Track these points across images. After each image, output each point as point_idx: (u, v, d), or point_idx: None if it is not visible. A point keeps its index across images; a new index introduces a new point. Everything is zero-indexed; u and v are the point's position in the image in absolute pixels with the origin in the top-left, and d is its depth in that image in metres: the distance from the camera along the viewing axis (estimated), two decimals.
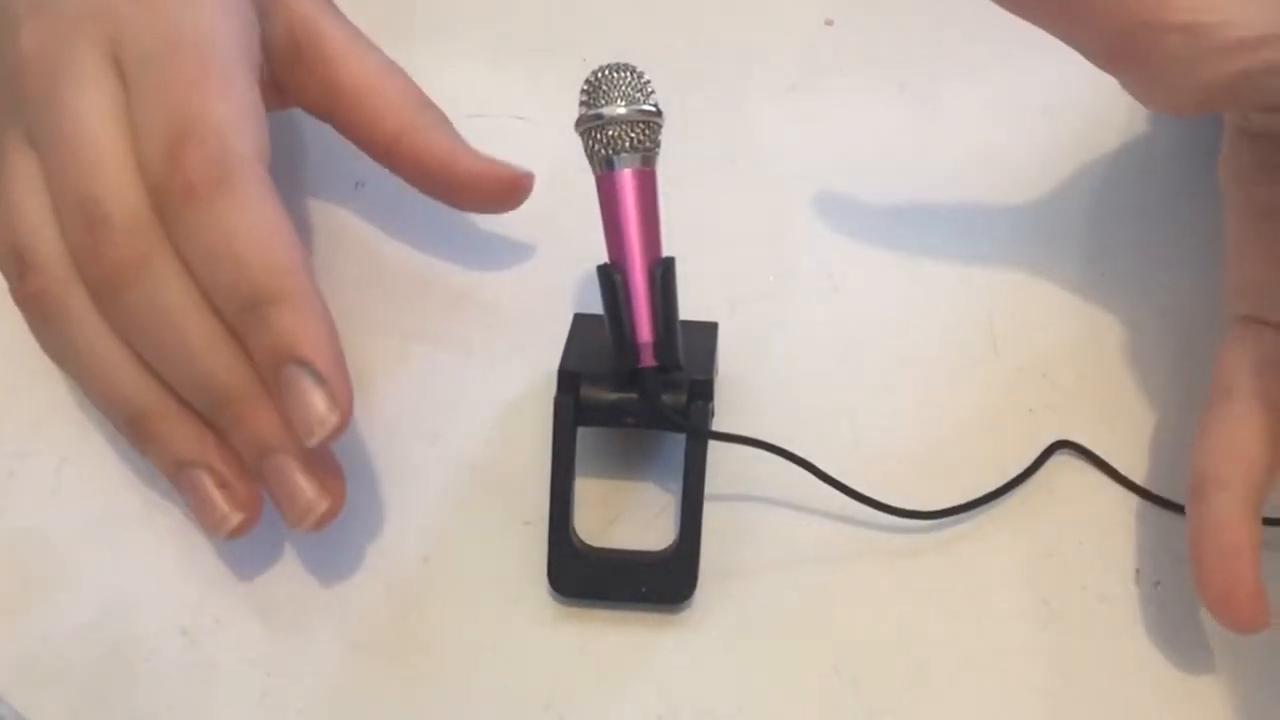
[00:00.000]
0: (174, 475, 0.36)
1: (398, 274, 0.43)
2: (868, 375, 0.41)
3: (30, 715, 0.36)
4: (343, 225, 0.44)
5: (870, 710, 0.35)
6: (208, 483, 0.35)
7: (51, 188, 0.34)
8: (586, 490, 0.38)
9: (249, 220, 0.33)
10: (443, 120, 0.40)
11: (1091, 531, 0.38)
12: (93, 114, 0.33)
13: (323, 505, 0.35)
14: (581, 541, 0.37)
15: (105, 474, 0.39)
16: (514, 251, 0.44)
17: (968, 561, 0.37)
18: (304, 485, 0.35)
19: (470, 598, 0.37)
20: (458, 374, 0.41)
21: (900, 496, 0.37)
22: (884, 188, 0.44)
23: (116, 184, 0.33)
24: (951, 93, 0.45)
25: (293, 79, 0.39)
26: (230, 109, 0.33)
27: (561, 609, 0.37)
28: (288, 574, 0.38)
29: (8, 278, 0.35)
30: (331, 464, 0.36)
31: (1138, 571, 0.37)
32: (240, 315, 0.33)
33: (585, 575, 0.37)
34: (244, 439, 0.35)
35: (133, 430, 0.36)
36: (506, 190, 0.40)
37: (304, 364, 0.33)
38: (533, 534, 0.38)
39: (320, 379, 0.33)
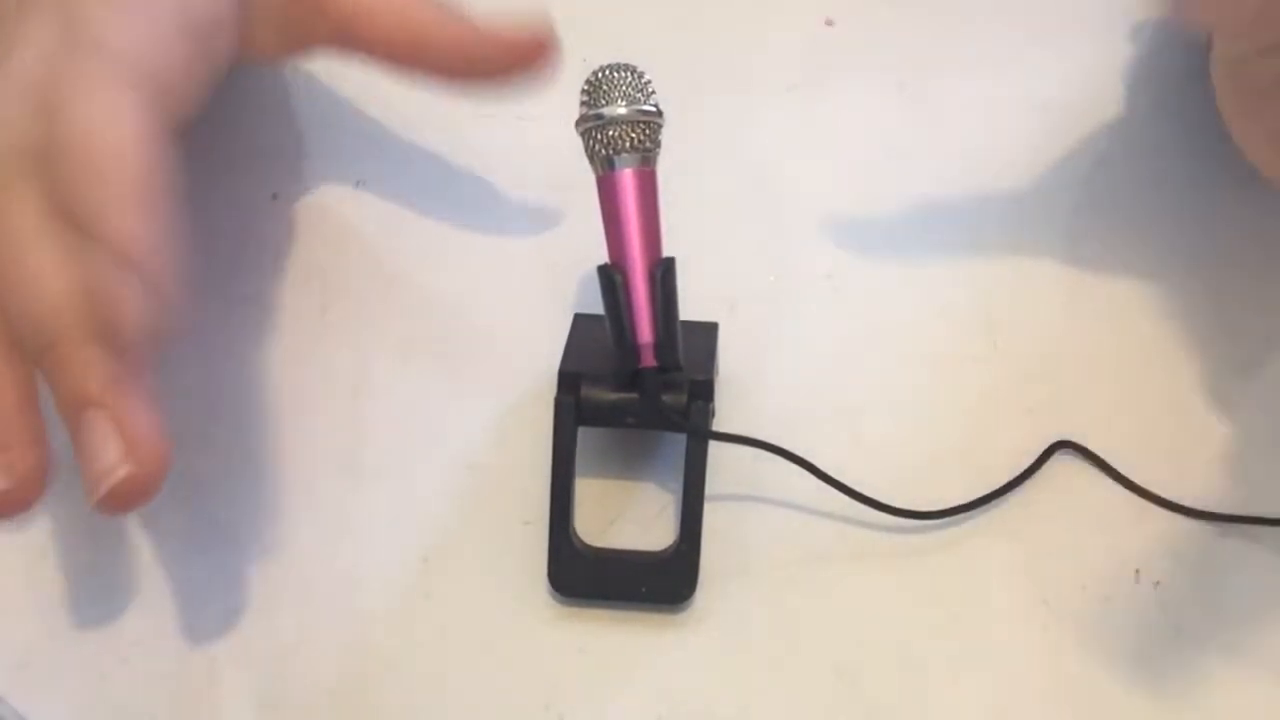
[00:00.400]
0: (70, 421, 0.33)
1: (398, 273, 0.43)
2: (868, 375, 0.41)
3: (30, 715, 0.36)
4: (343, 225, 0.44)
5: (870, 710, 0.36)
6: (103, 424, 0.31)
7: None
8: (586, 490, 0.38)
9: (90, 104, 0.32)
10: (454, 12, 0.38)
11: (1091, 531, 0.38)
12: (18, 70, 0.33)
13: (120, 472, 0.31)
14: (581, 541, 0.37)
15: None
16: (514, 251, 0.44)
17: (968, 561, 0.37)
18: (111, 445, 0.31)
19: (470, 598, 0.37)
20: (458, 374, 0.41)
21: (900, 496, 0.37)
22: (884, 187, 0.44)
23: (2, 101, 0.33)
24: (951, 92, 0.45)
25: (298, 28, 0.39)
26: (120, 26, 0.33)
27: (561, 609, 0.37)
28: (288, 574, 0.38)
29: None
30: (147, 431, 0.32)
31: (1138, 571, 0.37)
32: (70, 203, 0.32)
33: (585, 575, 0.37)
34: (64, 384, 0.32)
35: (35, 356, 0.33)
36: (540, 47, 0.38)
37: (119, 252, 0.31)
38: (533, 534, 0.38)
39: (135, 270, 0.31)
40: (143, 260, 0.31)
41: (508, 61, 0.38)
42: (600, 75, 0.36)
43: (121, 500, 0.31)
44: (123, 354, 0.32)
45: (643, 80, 0.36)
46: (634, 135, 0.36)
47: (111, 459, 0.31)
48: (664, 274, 0.36)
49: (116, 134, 0.32)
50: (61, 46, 0.33)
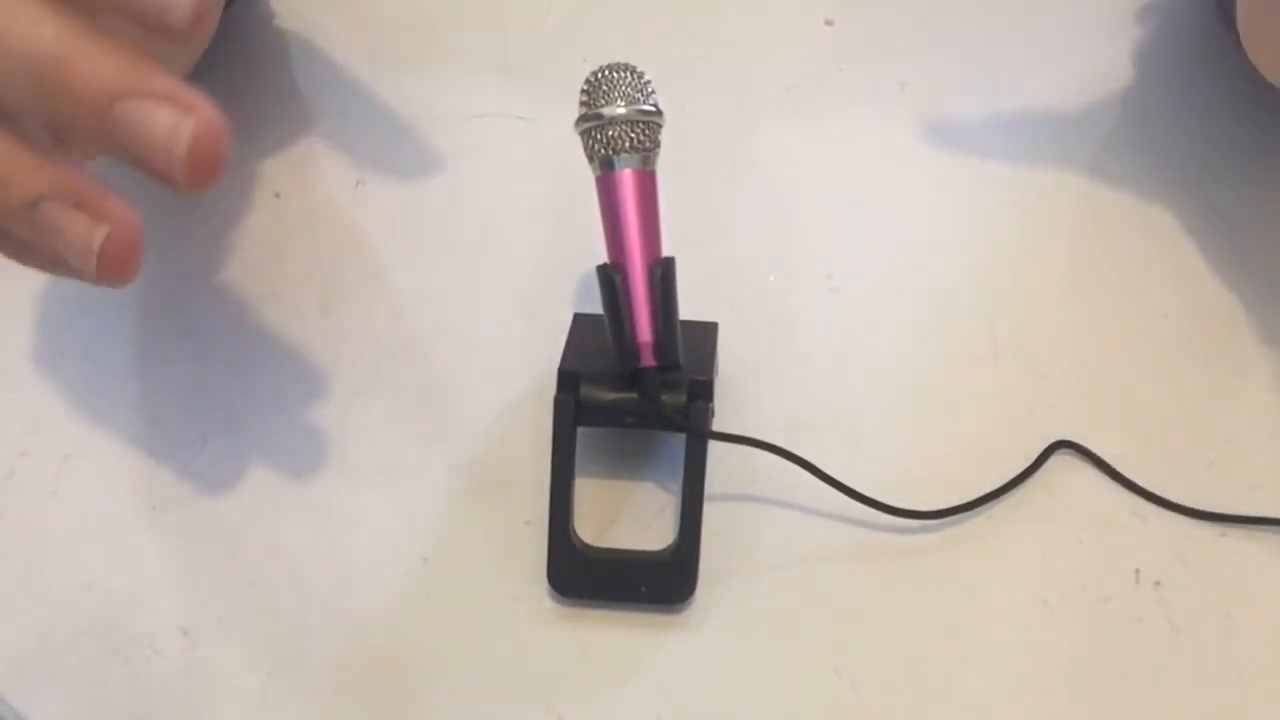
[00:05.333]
0: (28, 224, 0.30)
1: (398, 272, 0.43)
2: (868, 375, 0.41)
3: (30, 715, 0.36)
4: (343, 224, 0.44)
5: (870, 710, 0.36)
6: (61, 208, 0.29)
7: None
8: (586, 490, 0.38)
9: None
10: None
11: (1091, 531, 0.38)
12: None
13: (187, 124, 0.28)
14: (581, 541, 0.37)
15: (105, 474, 0.39)
16: (514, 251, 0.44)
17: (968, 561, 0.37)
18: (165, 112, 0.28)
19: (470, 598, 0.37)
20: (458, 374, 0.41)
21: (900, 496, 0.37)
22: (884, 188, 0.44)
23: None
24: (951, 92, 0.45)
25: None
26: None
27: (561, 609, 0.37)
28: (288, 574, 0.38)
29: None
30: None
31: (1138, 571, 0.37)
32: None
33: (585, 575, 0.37)
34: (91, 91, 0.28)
35: None
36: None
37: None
38: (533, 534, 0.38)
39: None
40: None
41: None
42: (600, 75, 0.36)
43: (198, 159, 0.28)
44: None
45: (642, 80, 0.36)
46: (634, 135, 0.36)
47: (170, 120, 0.28)
48: (664, 273, 0.36)
49: None
50: None
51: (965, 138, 0.45)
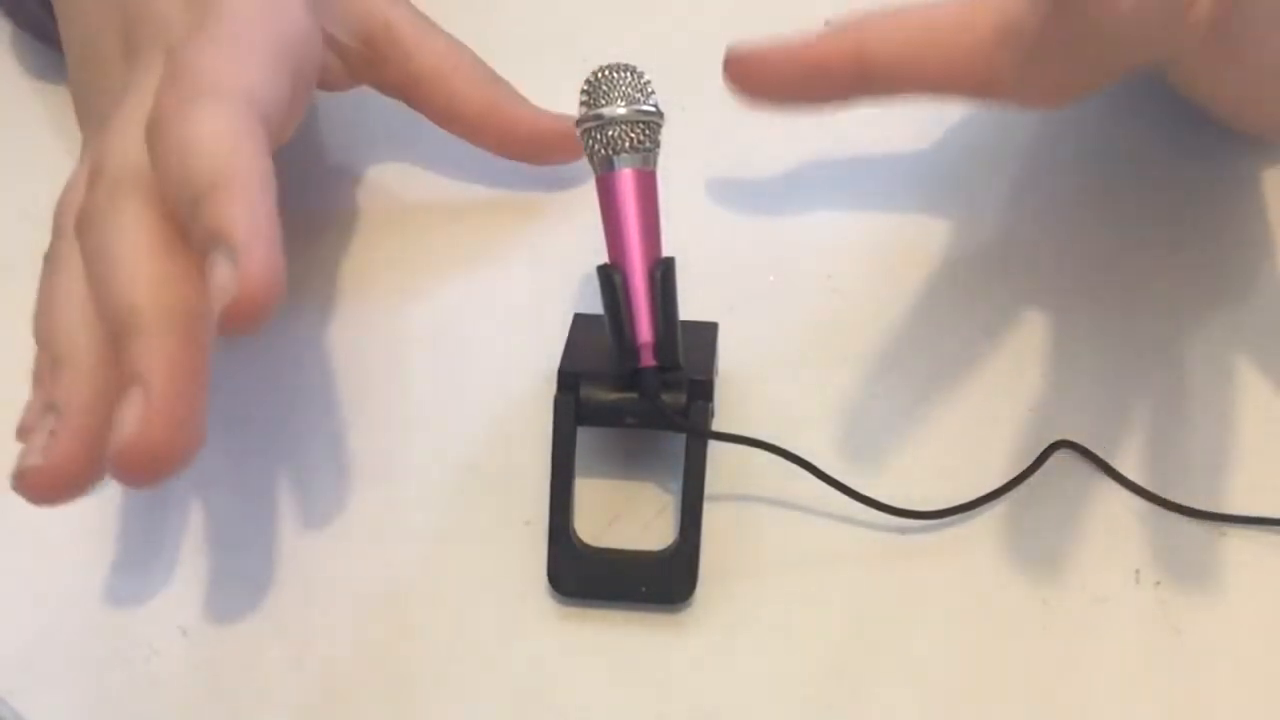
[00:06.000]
0: (36, 414, 0.35)
1: (397, 272, 0.43)
2: (867, 375, 0.41)
3: (30, 715, 0.36)
4: (343, 224, 0.44)
5: (869, 710, 0.35)
6: (45, 424, 0.34)
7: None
8: (586, 490, 0.38)
9: (203, 124, 0.33)
10: (512, 89, 0.43)
11: (1091, 531, 0.38)
12: (136, 106, 0.35)
13: (129, 433, 0.31)
14: (581, 541, 0.37)
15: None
16: (514, 251, 0.44)
17: (968, 561, 0.37)
18: (133, 414, 0.31)
19: (470, 598, 0.37)
20: (458, 374, 0.41)
21: (900, 496, 0.37)
22: (884, 187, 0.44)
23: (122, 145, 0.35)
24: None
25: (370, 72, 0.42)
26: (229, 67, 0.34)
27: (561, 609, 0.37)
28: (288, 574, 0.38)
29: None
30: (172, 415, 0.32)
31: (1138, 571, 0.37)
32: (185, 212, 0.33)
33: (585, 575, 0.37)
34: (121, 370, 0.33)
35: (46, 363, 0.35)
36: (573, 147, 0.41)
37: (222, 239, 0.31)
38: (533, 534, 0.38)
39: (232, 252, 0.31)
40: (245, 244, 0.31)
41: (544, 153, 0.43)
42: (600, 75, 0.36)
43: (131, 466, 0.32)
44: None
45: (642, 80, 0.36)
46: (634, 135, 0.36)
47: (130, 423, 0.31)
48: (664, 274, 0.36)
49: (226, 130, 0.33)
50: (171, 87, 0.34)
51: (965, 137, 0.45)
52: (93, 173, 0.35)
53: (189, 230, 0.33)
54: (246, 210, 0.32)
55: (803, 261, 0.43)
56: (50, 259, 0.37)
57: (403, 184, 0.46)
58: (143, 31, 0.37)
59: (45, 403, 0.35)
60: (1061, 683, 0.36)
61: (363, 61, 0.42)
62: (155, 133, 0.34)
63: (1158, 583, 0.37)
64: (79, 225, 0.35)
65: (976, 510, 0.38)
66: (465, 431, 0.40)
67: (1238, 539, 0.38)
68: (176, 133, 0.33)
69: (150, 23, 0.37)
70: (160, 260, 0.34)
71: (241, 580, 0.38)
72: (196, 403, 0.33)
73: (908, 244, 0.43)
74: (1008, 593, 0.37)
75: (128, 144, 0.35)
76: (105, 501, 0.39)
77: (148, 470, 0.32)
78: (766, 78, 0.40)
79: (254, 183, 0.32)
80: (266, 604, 0.38)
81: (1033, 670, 0.36)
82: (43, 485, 0.34)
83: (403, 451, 0.40)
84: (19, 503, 0.39)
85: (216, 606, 0.37)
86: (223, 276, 0.31)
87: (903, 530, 0.38)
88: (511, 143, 0.43)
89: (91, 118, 0.39)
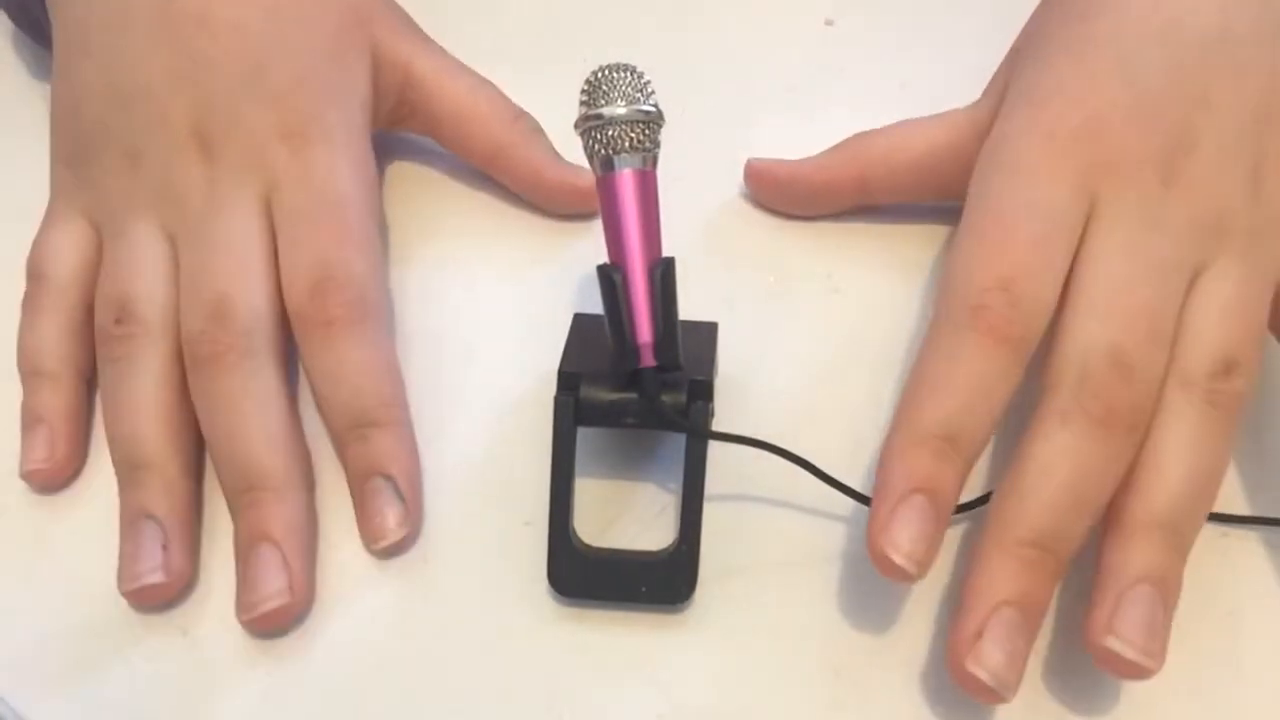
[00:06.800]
0: (128, 521, 0.38)
1: (397, 272, 0.43)
2: (868, 375, 0.41)
3: (30, 715, 0.36)
4: None
5: (870, 710, 0.35)
6: (150, 535, 0.37)
7: (184, 278, 0.39)
8: (586, 490, 0.38)
9: (372, 356, 0.39)
10: (533, 131, 0.44)
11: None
12: (242, 235, 0.39)
13: (278, 601, 0.36)
14: (581, 541, 0.37)
15: (106, 474, 0.39)
16: (514, 252, 0.44)
17: (968, 561, 0.37)
18: (272, 576, 0.36)
19: (470, 598, 0.37)
20: (458, 374, 0.41)
21: None
22: None
23: (247, 289, 0.38)
24: (951, 91, 0.45)
25: (397, 116, 0.44)
26: (367, 263, 0.40)
27: (561, 609, 0.37)
28: None
29: (101, 317, 0.39)
30: (308, 573, 0.37)
31: None
32: (346, 430, 0.38)
33: (585, 575, 0.37)
34: (249, 521, 0.37)
35: (127, 472, 0.38)
36: (585, 199, 0.43)
37: (390, 479, 0.38)
38: (533, 534, 0.38)
39: (400, 497, 0.38)
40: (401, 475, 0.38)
41: (562, 199, 0.44)
42: (600, 75, 0.36)
43: (270, 624, 0.36)
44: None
45: (642, 80, 0.36)
46: (633, 135, 0.36)
47: (273, 586, 0.36)
48: (663, 274, 0.36)
49: (385, 363, 0.40)
50: (327, 293, 0.39)
51: None
52: (215, 310, 0.38)
53: (343, 442, 0.39)
54: (407, 454, 0.38)
55: (803, 261, 0.43)
56: (129, 358, 0.38)
57: (403, 185, 0.46)
58: (228, 141, 0.39)
59: (137, 511, 0.37)
60: (1062, 682, 0.36)
61: (386, 108, 0.43)
62: (320, 341, 0.38)
63: None
64: (210, 350, 0.37)
65: (976, 510, 0.38)
66: (465, 431, 0.40)
67: (1238, 539, 0.38)
68: (350, 359, 0.38)
69: (237, 137, 0.39)
70: (287, 420, 0.38)
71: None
72: (313, 561, 0.38)
73: (908, 244, 0.43)
74: None
75: (255, 298, 0.38)
76: (105, 502, 0.39)
77: (285, 625, 0.37)
78: (780, 194, 0.44)
79: (408, 422, 0.39)
80: None
81: (1032, 670, 0.36)
82: (169, 592, 0.37)
83: None
84: (19, 503, 0.39)
85: (216, 607, 0.37)
86: (394, 518, 0.38)
87: None
88: (518, 186, 0.44)
89: (134, 174, 0.40)
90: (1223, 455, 0.35)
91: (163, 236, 0.40)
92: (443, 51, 0.44)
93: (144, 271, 0.39)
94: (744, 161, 0.44)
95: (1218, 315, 0.35)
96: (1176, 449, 0.34)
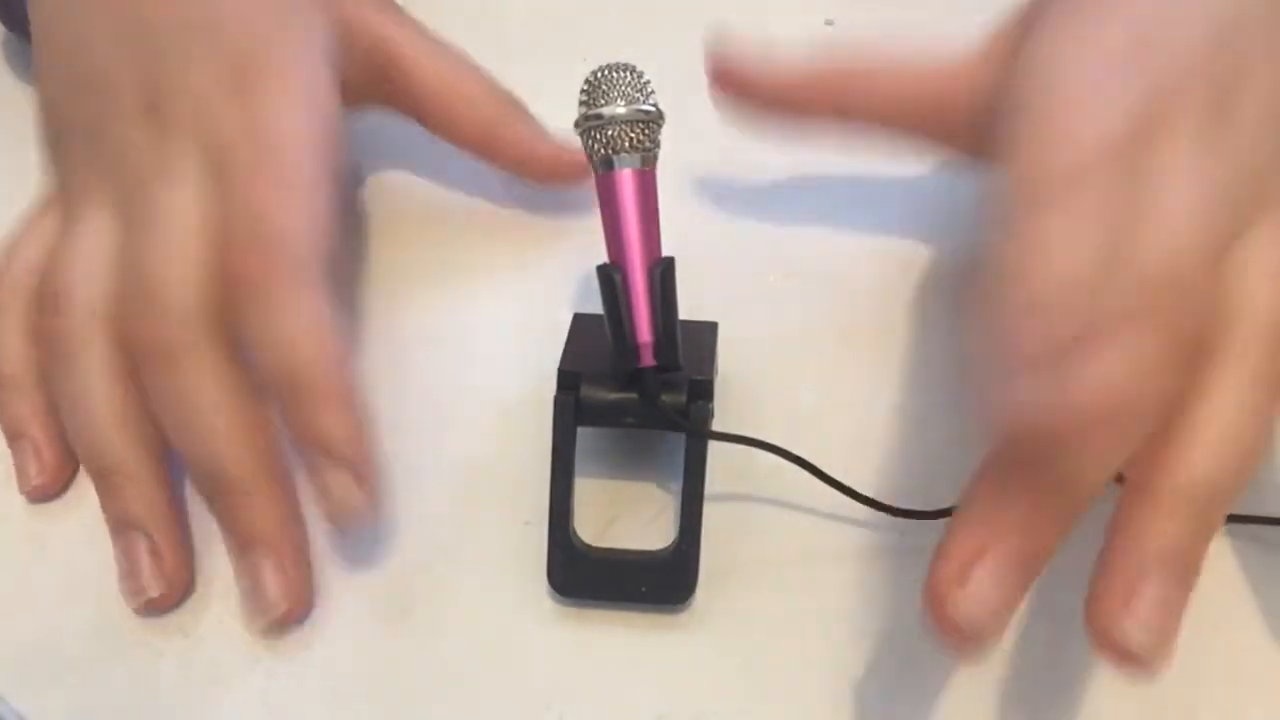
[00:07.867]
0: (115, 530, 0.37)
1: (397, 272, 0.43)
2: (868, 375, 0.41)
3: (30, 715, 0.36)
4: (343, 226, 0.44)
5: (870, 710, 0.35)
6: (141, 547, 0.37)
7: (123, 261, 0.36)
8: (586, 490, 0.38)
9: (298, 317, 0.35)
10: (520, 108, 0.43)
11: (1091, 531, 0.38)
12: (181, 210, 0.36)
13: (281, 608, 0.36)
14: (581, 541, 0.37)
15: None
16: (514, 251, 0.44)
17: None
18: (271, 584, 0.36)
19: (470, 598, 0.37)
20: (458, 374, 0.41)
21: (900, 496, 0.37)
22: (884, 187, 0.44)
23: (181, 276, 0.35)
24: None
25: (378, 93, 0.42)
26: (300, 220, 0.36)
27: (561, 609, 0.37)
28: None
29: (34, 307, 0.38)
30: (306, 570, 0.37)
31: None
32: (281, 397, 0.35)
33: (585, 575, 0.37)
34: (232, 528, 0.37)
35: (98, 479, 0.37)
36: (579, 170, 0.42)
37: (332, 451, 0.35)
38: (533, 534, 0.38)
39: (346, 466, 0.35)
40: (348, 454, 0.35)
41: (543, 176, 0.43)
42: (599, 75, 0.36)
43: (277, 629, 0.36)
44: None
45: (642, 80, 0.36)
46: (633, 135, 0.36)
47: (273, 595, 0.36)
48: (663, 273, 0.36)
49: (318, 327, 0.35)
50: (252, 249, 0.35)
51: None
52: (147, 298, 0.35)
53: (286, 414, 0.35)
54: (349, 419, 0.35)
55: (803, 261, 0.43)
56: (68, 355, 0.37)
57: (403, 185, 0.46)
58: (177, 104, 0.37)
59: (120, 520, 0.37)
60: (1062, 683, 0.36)
61: (364, 83, 0.42)
62: (245, 307, 0.35)
63: None
64: (148, 361, 0.36)
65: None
66: (465, 432, 0.40)
67: (1238, 539, 0.38)
68: (275, 323, 0.35)
69: (185, 98, 0.37)
70: (249, 412, 0.36)
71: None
72: (308, 555, 0.37)
73: (909, 243, 0.43)
74: None
75: (187, 285, 0.35)
76: None
77: (291, 624, 0.37)
78: (743, 92, 0.41)
79: (348, 383, 0.36)
80: None
81: (1033, 669, 0.36)
82: (172, 599, 0.37)
83: (403, 452, 0.40)
84: (20, 503, 0.39)
85: (217, 607, 0.37)
86: (342, 487, 0.35)
87: (903, 530, 0.38)
88: (510, 164, 0.43)
89: (92, 156, 0.38)
90: (1269, 432, 0.32)
91: (115, 220, 0.37)
92: (423, 30, 0.43)
93: (79, 259, 0.37)
94: (743, 160, 0.44)
95: (1271, 282, 0.31)
96: (1223, 417, 0.31)
